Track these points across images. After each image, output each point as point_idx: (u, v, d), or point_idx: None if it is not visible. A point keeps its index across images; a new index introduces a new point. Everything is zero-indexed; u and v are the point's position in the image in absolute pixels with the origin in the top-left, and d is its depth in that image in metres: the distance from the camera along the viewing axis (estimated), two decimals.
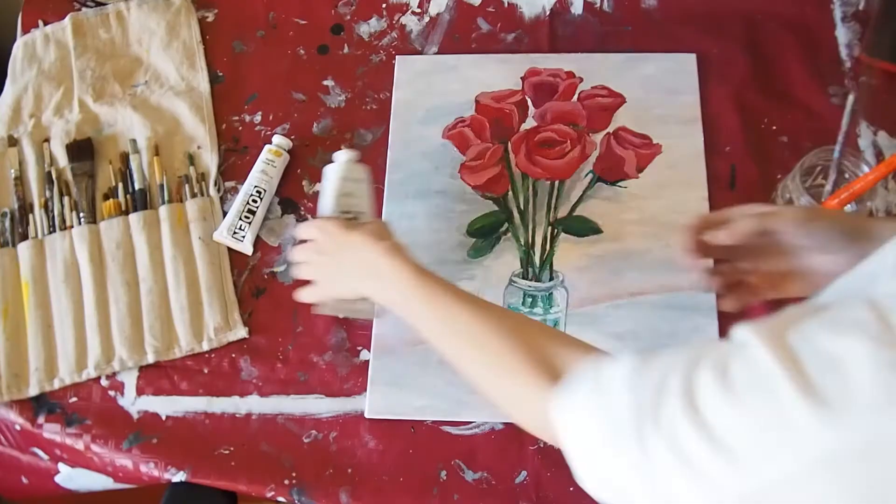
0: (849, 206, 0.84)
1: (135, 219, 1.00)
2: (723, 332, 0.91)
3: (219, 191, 1.02)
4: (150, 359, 0.95)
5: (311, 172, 1.03)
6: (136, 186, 1.02)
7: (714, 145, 1.00)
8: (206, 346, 0.95)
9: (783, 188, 0.88)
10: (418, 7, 1.11)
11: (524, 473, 0.88)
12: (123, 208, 1.01)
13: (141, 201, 1.01)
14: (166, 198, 1.01)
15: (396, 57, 1.08)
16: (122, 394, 0.94)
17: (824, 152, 0.86)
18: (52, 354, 0.95)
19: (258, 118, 1.06)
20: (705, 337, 0.91)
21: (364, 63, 1.09)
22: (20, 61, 1.10)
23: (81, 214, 1.00)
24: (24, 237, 1.00)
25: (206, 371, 0.95)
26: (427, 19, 1.10)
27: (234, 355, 0.95)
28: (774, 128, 1.01)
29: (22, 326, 0.96)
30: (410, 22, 1.10)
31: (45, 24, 1.13)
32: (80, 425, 0.93)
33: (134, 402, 0.94)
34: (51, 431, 0.93)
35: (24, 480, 0.98)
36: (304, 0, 1.13)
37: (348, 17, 1.11)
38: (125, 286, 0.97)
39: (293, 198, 1.02)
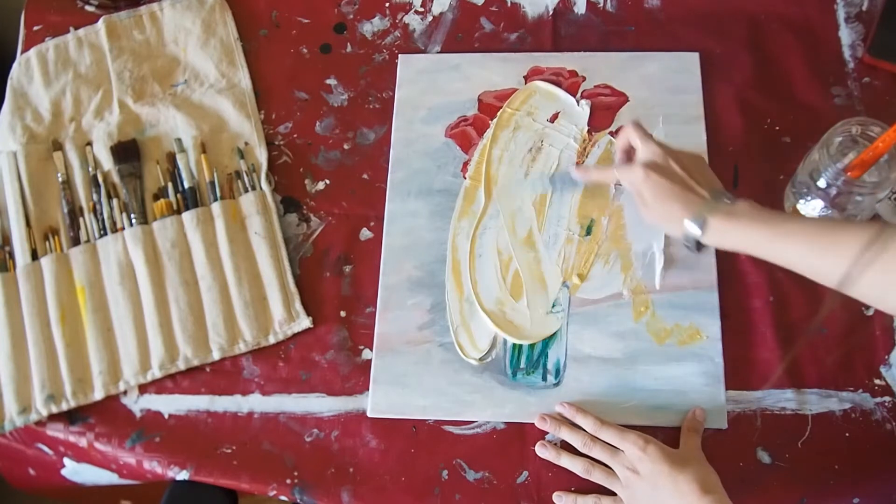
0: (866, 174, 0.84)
1: (188, 217, 0.99)
2: (725, 332, 0.91)
3: (270, 184, 1.02)
4: (216, 356, 0.95)
5: (314, 171, 1.03)
6: (186, 185, 1.02)
7: (717, 145, 1.00)
8: (272, 340, 0.95)
9: (808, 161, 0.88)
10: (421, 6, 1.11)
11: (525, 473, 0.88)
12: (175, 208, 1.01)
13: (192, 199, 1.01)
14: (218, 194, 1.01)
15: (399, 56, 1.08)
16: (125, 392, 0.94)
17: (847, 125, 0.86)
18: (114, 357, 0.95)
19: (261, 117, 1.06)
20: (707, 336, 0.91)
21: (367, 62, 1.09)
22: (53, 65, 1.09)
23: (132, 216, 1.00)
24: (76, 242, 1.00)
25: (208, 370, 0.95)
26: (430, 18, 1.10)
27: (235, 354, 0.95)
28: (777, 128, 1.01)
29: (81, 331, 0.96)
30: (413, 21, 1.10)
31: (51, 26, 1.12)
32: (83, 423, 0.93)
33: (136, 401, 0.94)
34: (54, 429, 0.94)
35: (32, 472, 0.99)
36: None
37: (351, 17, 1.11)
38: (184, 285, 0.97)
39: (295, 196, 1.02)
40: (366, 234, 1.00)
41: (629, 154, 0.89)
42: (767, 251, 0.76)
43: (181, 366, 0.94)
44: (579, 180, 0.98)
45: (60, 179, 1.03)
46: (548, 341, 0.93)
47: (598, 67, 1.05)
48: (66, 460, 0.95)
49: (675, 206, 0.81)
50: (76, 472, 0.96)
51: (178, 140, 1.04)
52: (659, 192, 0.82)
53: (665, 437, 0.87)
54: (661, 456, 0.80)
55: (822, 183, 0.86)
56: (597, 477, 0.85)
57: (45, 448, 0.95)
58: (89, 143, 1.05)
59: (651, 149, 0.85)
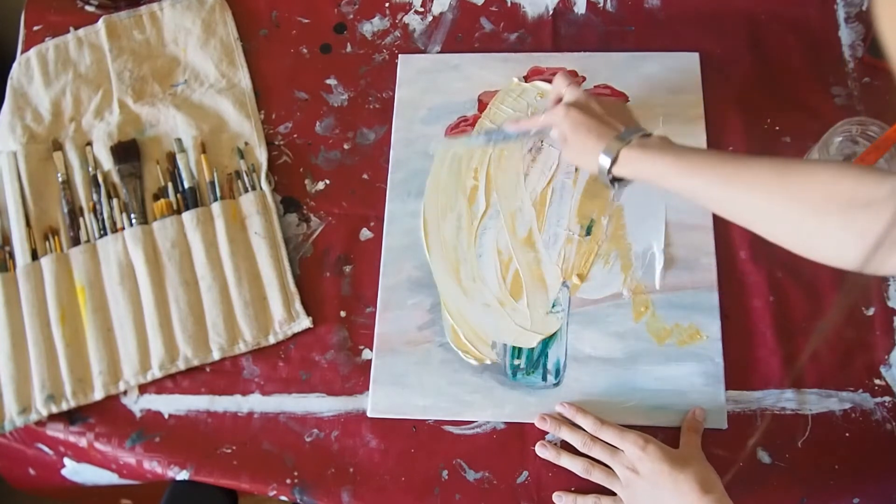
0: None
1: (188, 217, 0.99)
2: (725, 332, 0.91)
3: (270, 184, 1.02)
4: (216, 356, 0.95)
5: (314, 171, 1.03)
6: (186, 185, 1.02)
7: (717, 145, 1.00)
8: (272, 340, 0.95)
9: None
10: (421, 6, 1.11)
11: (525, 473, 0.88)
12: (175, 208, 1.01)
13: (192, 200, 1.01)
14: (218, 194, 1.01)
15: (399, 56, 1.08)
16: (125, 392, 0.94)
17: (847, 125, 0.86)
18: (114, 357, 0.95)
19: (261, 117, 1.06)
20: (707, 336, 0.91)
21: (367, 62, 1.09)
22: (53, 65, 1.09)
23: (132, 216, 1.00)
24: (76, 242, 0.99)
25: (208, 370, 0.95)
26: (430, 18, 1.10)
27: (235, 354, 0.95)
28: (777, 128, 1.01)
29: (81, 331, 0.96)
30: (413, 21, 1.10)
31: (51, 26, 1.12)
32: (83, 423, 0.93)
33: (136, 401, 0.94)
34: (54, 429, 0.94)
35: (32, 472, 0.99)
36: None
37: (351, 16, 1.11)
38: (184, 285, 0.97)
39: (296, 196, 1.02)
40: (366, 234, 1.00)
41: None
42: (675, 182, 0.79)
43: (181, 366, 0.94)
44: (512, 132, 0.97)
45: (60, 179, 1.03)
46: (548, 341, 0.93)
47: (598, 67, 1.05)
48: (66, 460, 0.95)
49: (591, 138, 0.85)
50: (76, 471, 0.96)
51: (178, 140, 1.04)
52: (577, 126, 0.86)
53: (665, 437, 0.87)
54: (660, 455, 0.80)
55: None
56: (597, 477, 0.85)
57: (45, 448, 0.95)
58: (89, 143, 1.05)
59: (575, 92, 0.90)
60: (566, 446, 0.88)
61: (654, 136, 0.83)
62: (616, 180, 0.85)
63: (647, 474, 0.81)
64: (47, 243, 0.99)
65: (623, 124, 0.86)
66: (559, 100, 0.93)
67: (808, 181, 0.69)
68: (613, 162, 0.83)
